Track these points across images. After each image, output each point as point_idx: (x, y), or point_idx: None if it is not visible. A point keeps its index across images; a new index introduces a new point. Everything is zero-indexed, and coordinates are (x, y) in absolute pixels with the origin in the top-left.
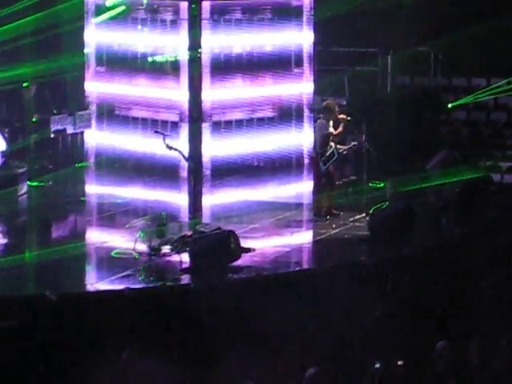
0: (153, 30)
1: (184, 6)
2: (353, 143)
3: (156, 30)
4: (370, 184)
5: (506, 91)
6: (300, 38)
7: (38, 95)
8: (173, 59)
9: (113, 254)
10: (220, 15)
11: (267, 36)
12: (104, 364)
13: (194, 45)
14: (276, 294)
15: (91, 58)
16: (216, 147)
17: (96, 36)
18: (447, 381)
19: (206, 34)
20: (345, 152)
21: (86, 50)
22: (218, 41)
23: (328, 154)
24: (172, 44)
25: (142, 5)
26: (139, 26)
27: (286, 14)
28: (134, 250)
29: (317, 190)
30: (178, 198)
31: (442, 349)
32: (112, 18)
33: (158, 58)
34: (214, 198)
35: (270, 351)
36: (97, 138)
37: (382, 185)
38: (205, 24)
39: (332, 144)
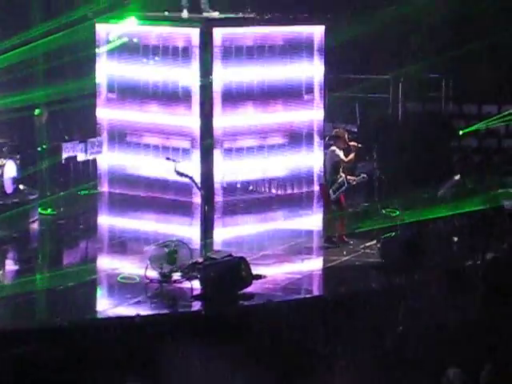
0: (164, 57)
1: (195, 33)
2: (362, 175)
3: (167, 57)
4: (384, 212)
5: None
6: (311, 70)
7: (50, 122)
8: (184, 87)
9: (118, 278)
10: (231, 42)
11: (278, 67)
12: None
13: (206, 72)
14: (287, 320)
15: (102, 85)
16: (228, 174)
17: (107, 66)
18: None
19: (217, 61)
20: (354, 183)
21: (97, 80)
22: (229, 68)
23: (338, 182)
24: (183, 71)
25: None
26: (151, 58)
27: (298, 43)
28: (145, 276)
29: (327, 218)
30: (189, 225)
31: (453, 375)
32: (121, 47)
33: (170, 85)
34: (226, 225)
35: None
36: (109, 160)
37: (396, 213)
38: (216, 51)
39: (342, 174)
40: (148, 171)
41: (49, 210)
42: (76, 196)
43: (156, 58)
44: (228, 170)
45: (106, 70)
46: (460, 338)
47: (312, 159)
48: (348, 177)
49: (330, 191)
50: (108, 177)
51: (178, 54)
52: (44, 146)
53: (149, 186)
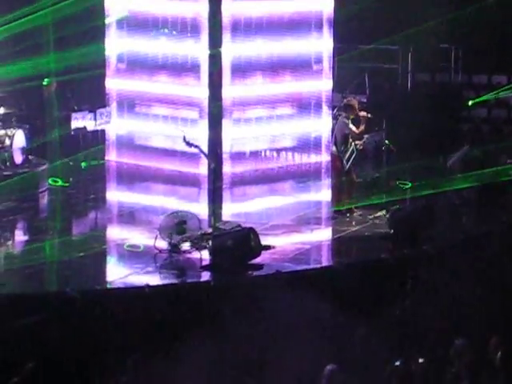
0: (173, 29)
1: (204, 5)
2: (365, 137)
3: (176, 29)
4: (398, 183)
5: None
6: (320, 43)
7: (59, 92)
8: (193, 58)
9: (125, 247)
10: (240, 14)
11: (287, 40)
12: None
13: (215, 44)
14: (296, 291)
15: (112, 55)
16: (236, 144)
17: (116, 37)
18: (465, 380)
19: (226, 33)
20: (361, 147)
21: (106, 52)
22: (238, 41)
23: (349, 152)
24: (192, 43)
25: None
26: (160, 30)
27: (307, 16)
28: (154, 246)
29: (337, 188)
30: (197, 195)
31: (461, 347)
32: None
33: (179, 57)
34: (234, 196)
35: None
36: (118, 130)
37: (409, 185)
38: (225, 23)
39: (351, 141)
40: (156, 141)
41: (60, 182)
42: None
43: (165, 30)
44: (237, 139)
45: (115, 40)
46: (468, 309)
47: (320, 125)
48: (357, 142)
49: (344, 161)
50: (116, 147)
51: (186, 26)
52: (53, 116)
53: (157, 156)
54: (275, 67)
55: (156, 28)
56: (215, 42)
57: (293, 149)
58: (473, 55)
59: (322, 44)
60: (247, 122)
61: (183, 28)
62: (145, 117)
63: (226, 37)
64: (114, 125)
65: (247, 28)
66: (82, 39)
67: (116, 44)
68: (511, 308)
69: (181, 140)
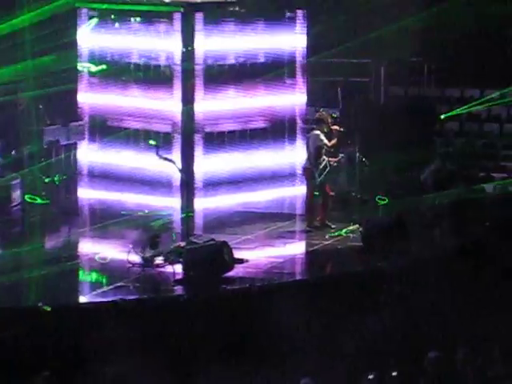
0: (146, 39)
1: (177, 16)
2: (341, 155)
3: (149, 39)
4: (377, 199)
5: (498, 102)
6: (293, 41)
7: (32, 107)
8: (166, 70)
9: (96, 258)
10: (214, 25)
11: (260, 42)
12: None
13: (187, 55)
14: (269, 304)
15: (83, 67)
16: (209, 159)
17: (88, 43)
18: None
19: (199, 43)
20: (335, 164)
21: (79, 65)
22: (211, 50)
23: (322, 165)
24: (165, 54)
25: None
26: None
27: (279, 24)
28: (127, 260)
29: (310, 202)
30: (170, 209)
31: (433, 358)
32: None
33: (151, 68)
34: (207, 210)
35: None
36: (90, 150)
37: (386, 201)
38: (198, 34)
39: (325, 157)
40: (129, 159)
41: (38, 200)
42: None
43: (138, 36)
44: (209, 154)
45: (87, 49)
46: (440, 322)
47: (294, 143)
48: (330, 159)
49: (316, 175)
50: (88, 167)
51: (159, 35)
52: (26, 130)
53: (130, 171)
54: (248, 80)
55: (127, 35)
56: (188, 48)
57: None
58: (445, 69)
59: (296, 43)
60: (220, 137)
61: (156, 36)
62: (117, 132)
63: (200, 37)
64: (85, 144)
65: (220, 33)
66: (55, 48)
67: (88, 51)
68: (482, 320)
69: (153, 155)
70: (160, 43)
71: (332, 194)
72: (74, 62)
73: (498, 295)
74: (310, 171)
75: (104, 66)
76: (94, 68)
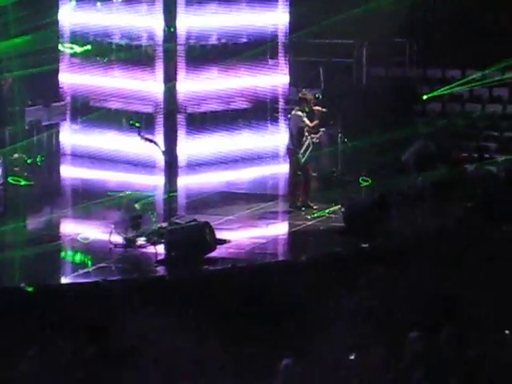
0: (128, 17)
1: None
2: (321, 130)
3: (131, 17)
4: (361, 180)
5: (480, 83)
6: (275, 21)
7: (13, 87)
8: (147, 50)
9: (78, 238)
10: (196, 2)
11: (242, 19)
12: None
13: (169, 34)
14: (251, 285)
15: (65, 48)
16: (191, 139)
17: (70, 22)
18: (416, 370)
19: (181, 20)
20: (317, 140)
21: (60, 45)
22: (193, 27)
23: (305, 146)
24: (147, 33)
25: None
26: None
27: (262, 2)
28: (109, 241)
29: (293, 182)
30: (153, 190)
31: (414, 338)
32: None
33: (133, 49)
34: (190, 190)
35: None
36: (72, 130)
37: (369, 182)
38: (180, 11)
39: (307, 135)
40: (111, 139)
41: (22, 181)
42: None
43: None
44: (191, 134)
45: (69, 29)
46: (423, 302)
47: (277, 124)
48: (312, 136)
49: (299, 155)
50: (71, 147)
51: (141, 12)
52: (8, 111)
53: (113, 152)
54: (230, 60)
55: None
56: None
57: (249, 143)
58: (427, 49)
59: (279, 19)
60: (202, 117)
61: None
62: (99, 111)
63: (181, 14)
64: (67, 125)
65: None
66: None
67: (70, 29)
68: (464, 300)
69: (136, 135)
70: (142, 23)
71: (314, 174)
72: (55, 41)
73: (481, 275)
74: (293, 151)
75: (86, 47)
76: (75, 48)
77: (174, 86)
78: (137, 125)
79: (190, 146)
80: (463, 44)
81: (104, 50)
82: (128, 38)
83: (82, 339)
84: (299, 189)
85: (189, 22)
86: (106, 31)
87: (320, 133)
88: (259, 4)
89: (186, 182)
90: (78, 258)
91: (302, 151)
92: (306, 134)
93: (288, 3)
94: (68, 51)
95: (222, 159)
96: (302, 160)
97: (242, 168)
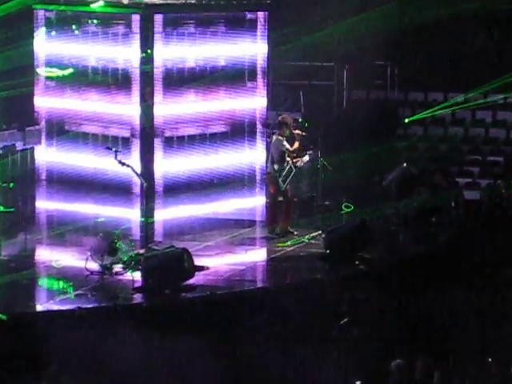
0: (104, 42)
1: (136, 18)
2: (308, 153)
3: (107, 42)
4: (343, 206)
5: (463, 106)
6: (254, 49)
7: None
8: (124, 73)
9: (54, 265)
10: (173, 28)
11: (221, 47)
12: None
13: (146, 58)
14: (229, 311)
15: (40, 71)
16: (168, 164)
17: (45, 47)
18: None
19: (158, 46)
20: (302, 164)
21: (36, 70)
22: (170, 53)
23: (286, 170)
24: (123, 57)
25: (92, 18)
26: (89, 40)
27: (240, 27)
28: (85, 268)
29: (272, 208)
30: (130, 215)
31: (395, 367)
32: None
33: (109, 71)
34: (167, 216)
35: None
36: (47, 155)
37: (352, 208)
38: (157, 37)
39: (289, 159)
40: (87, 163)
41: (2, 208)
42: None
43: (96, 43)
44: (169, 159)
45: (44, 50)
46: (402, 330)
47: (254, 148)
48: (294, 160)
49: (280, 181)
50: (46, 172)
51: (118, 38)
52: None
53: (87, 177)
54: (208, 83)
55: (85, 39)
56: (147, 53)
57: (226, 168)
58: (409, 72)
59: (257, 50)
60: (180, 141)
61: (115, 38)
62: (75, 136)
63: (158, 46)
64: (43, 147)
65: (180, 36)
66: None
67: (45, 55)
68: (446, 327)
69: (112, 159)
70: (118, 46)
71: (295, 199)
72: (30, 64)
73: (464, 302)
74: (273, 176)
75: (61, 70)
76: (51, 72)
77: (151, 109)
78: (113, 149)
79: (167, 171)
80: (445, 66)
81: (80, 74)
82: (104, 61)
83: (55, 371)
84: (279, 214)
85: (166, 45)
86: (81, 55)
87: (306, 156)
88: (238, 28)
89: (164, 207)
90: (53, 285)
91: (282, 176)
92: (288, 158)
93: (267, 27)
94: (43, 74)
95: (199, 184)
96: (283, 186)
97: (221, 193)
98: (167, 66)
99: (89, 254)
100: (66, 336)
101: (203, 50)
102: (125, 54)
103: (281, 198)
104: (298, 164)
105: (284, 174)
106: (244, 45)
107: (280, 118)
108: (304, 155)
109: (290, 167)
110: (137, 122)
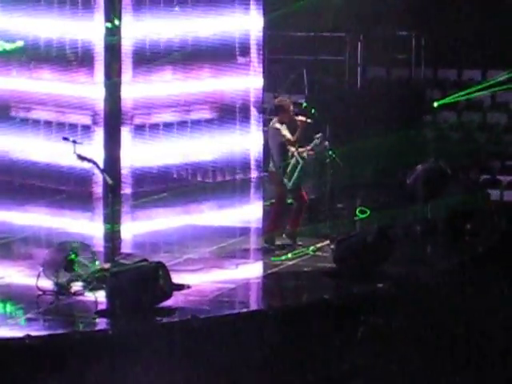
0: (61, 12)
1: None
2: (316, 136)
3: (65, 11)
4: (358, 211)
5: (506, 87)
6: (247, 22)
7: None
8: (85, 47)
9: None
10: None
11: (205, 21)
12: None
13: (112, 29)
14: (215, 340)
15: None
16: (139, 158)
17: None
18: None
19: (127, 15)
20: (310, 153)
21: None
22: (142, 26)
23: (291, 165)
24: (84, 27)
25: None
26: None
27: None
28: (36, 287)
29: (279, 213)
30: (91, 222)
31: None
32: None
33: (67, 45)
34: (136, 221)
35: None
36: None
37: (367, 213)
38: (126, 3)
39: (293, 150)
40: (38, 156)
41: None
42: None
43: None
44: (140, 153)
45: None
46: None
47: (248, 138)
48: (300, 150)
49: (285, 179)
50: None
51: (77, 3)
52: None
53: (40, 174)
54: (190, 58)
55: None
56: (113, 23)
57: (213, 163)
58: (438, 45)
59: (250, 23)
60: (153, 130)
61: (74, 5)
62: (23, 123)
63: (127, 15)
64: None
65: (154, 3)
66: None
67: None
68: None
69: (70, 153)
70: (78, 14)
71: (307, 199)
72: None
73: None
74: (274, 175)
75: (7, 44)
76: None
77: (118, 90)
78: (71, 140)
79: (137, 166)
80: (483, 38)
81: (30, 47)
82: (61, 32)
83: None
84: (285, 220)
85: (136, 14)
86: (33, 24)
87: (315, 141)
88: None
89: (134, 211)
90: None
91: (287, 173)
92: (293, 149)
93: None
94: None
95: (178, 183)
96: (290, 183)
97: (205, 194)
98: (138, 38)
99: (41, 269)
100: (12, 371)
101: (183, 22)
102: (86, 23)
103: (292, 200)
104: (305, 154)
105: (289, 169)
106: (234, 16)
107: (277, 102)
108: (313, 141)
109: (296, 160)
110: (100, 106)
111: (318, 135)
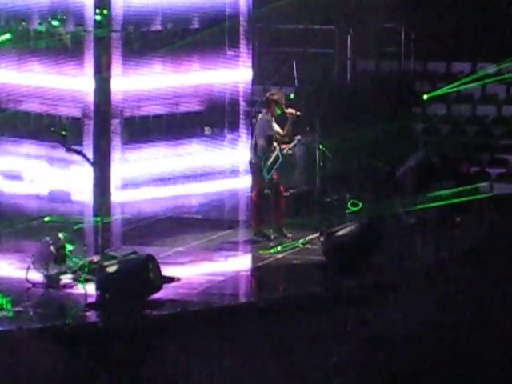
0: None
1: None
2: (296, 138)
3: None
4: (350, 204)
5: (495, 79)
6: (236, 14)
7: None
8: (75, 38)
9: None
10: None
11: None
12: None
13: (102, 19)
14: (205, 333)
15: None
16: (129, 150)
17: None
18: None
19: (117, 3)
20: (289, 152)
21: None
22: (132, 5)
23: (273, 158)
24: (74, 18)
25: None
26: None
27: None
28: (26, 279)
29: (258, 204)
30: (80, 214)
31: None
32: None
33: (57, 37)
34: (127, 214)
35: None
36: None
37: (359, 206)
38: None
39: (276, 145)
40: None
41: None
42: None
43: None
44: (130, 144)
45: None
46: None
47: (236, 132)
48: (283, 146)
49: (264, 171)
50: None
51: None
52: None
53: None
54: (179, 51)
55: None
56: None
57: (202, 157)
58: (427, 38)
59: (240, 12)
60: (143, 122)
61: None
62: (12, 115)
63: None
64: None
65: None
66: None
67: None
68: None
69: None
70: (67, 3)
71: (286, 193)
72: None
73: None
74: (256, 166)
75: None
76: None
77: (108, 83)
78: (62, 133)
79: (127, 159)
80: (473, 30)
81: (19, 38)
82: (50, 23)
83: None
84: (266, 212)
85: (126, 2)
86: (21, 14)
87: (294, 142)
88: None
89: (124, 204)
90: None
91: (268, 165)
92: (275, 143)
93: None
94: None
95: (168, 176)
96: (268, 175)
97: (194, 187)
98: (128, 30)
99: (30, 261)
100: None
101: (172, 2)
102: (75, 13)
103: (269, 192)
104: (285, 151)
105: (269, 162)
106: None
107: (267, 95)
108: (291, 141)
109: (277, 155)
110: (90, 98)
111: (297, 137)
